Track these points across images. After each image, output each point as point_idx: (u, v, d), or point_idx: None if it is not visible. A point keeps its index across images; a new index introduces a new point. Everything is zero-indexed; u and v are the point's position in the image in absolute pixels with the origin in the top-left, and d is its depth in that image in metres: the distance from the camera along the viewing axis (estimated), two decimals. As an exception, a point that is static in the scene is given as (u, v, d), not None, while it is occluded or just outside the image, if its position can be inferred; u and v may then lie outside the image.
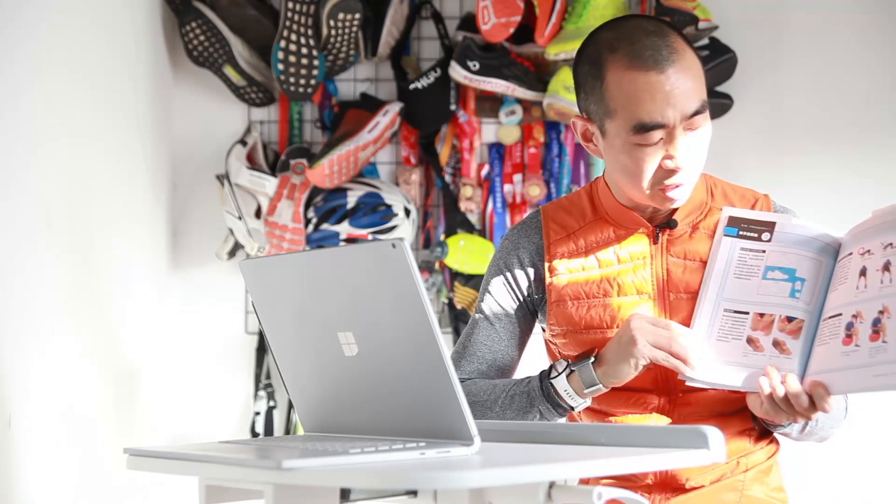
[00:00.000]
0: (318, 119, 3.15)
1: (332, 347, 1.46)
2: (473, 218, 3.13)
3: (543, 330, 1.91)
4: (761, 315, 1.68)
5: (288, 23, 2.98)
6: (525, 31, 3.03)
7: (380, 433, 1.46)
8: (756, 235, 1.73)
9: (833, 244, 1.69)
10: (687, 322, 1.73)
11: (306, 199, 3.03)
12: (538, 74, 3.06)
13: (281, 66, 2.98)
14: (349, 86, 3.17)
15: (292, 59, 2.98)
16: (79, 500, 2.31)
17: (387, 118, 3.02)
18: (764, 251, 1.72)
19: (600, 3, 2.92)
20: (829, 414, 1.74)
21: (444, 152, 3.13)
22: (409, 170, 3.12)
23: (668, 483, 1.80)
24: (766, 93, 3.08)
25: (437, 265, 3.09)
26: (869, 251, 1.59)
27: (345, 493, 1.44)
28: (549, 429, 1.51)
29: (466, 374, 1.88)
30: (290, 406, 3.10)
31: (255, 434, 3.09)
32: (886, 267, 1.54)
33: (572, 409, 1.74)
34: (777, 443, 1.87)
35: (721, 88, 3.04)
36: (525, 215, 3.09)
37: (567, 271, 1.84)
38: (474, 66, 2.99)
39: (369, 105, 3.07)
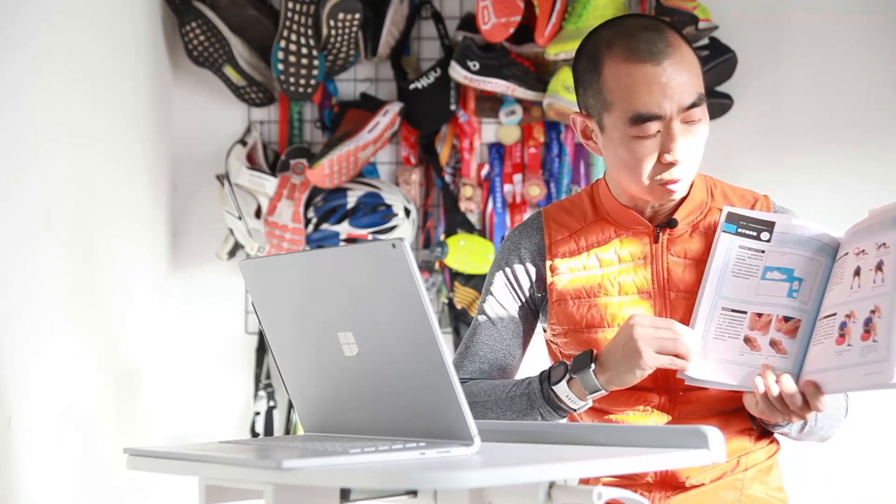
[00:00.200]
0: (318, 119, 3.15)
1: (332, 347, 1.46)
2: (473, 218, 3.13)
3: (545, 331, 1.91)
4: (759, 315, 1.68)
5: (288, 23, 2.98)
6: (525, 31, 3.03)
7: (380, 433, 1.46)
8: (755, 234, 1.73)
9: (832, 244, 1.70)
10: (686, 321, 1.74)
11: (306, 199, 3.03)
12: (538, 74, 3.06)
13: (281, 66, 2.98)
14: (349, 86, 3.17)
15: (292, 59, 2.98)
16: (79, 500, 2.31)
17: (387, 118, 3.02)
18: (763, 251, 1.72)
19: (600, 3, 2.92)
20: (827, 413, 1.75)
21: (444, 152, 3.13)
22: (409, 170, 3.12)
23: (668, 481, 1.80)
24: (766, 93, 3.08)
25: (437, 265, 3.09)
26: (863, 251, 1.60)
27: (345, 493, 1.44)
28: (549, 429, 1.51)
29: (468, 374, 1.88)
30: (290, 406, 3.10)
31: (255, 434, 3.09)
32: (879, 267, 1.55)
33: (574, 410, 1.75)
34: (777, 443, 1.87)
35: (721, 88, 3.04)
36: (526, 216, 3.09)
37: (568, 271, 1.84)
38: (474, 66, 2.99)
39: (369, 105, 3.07)
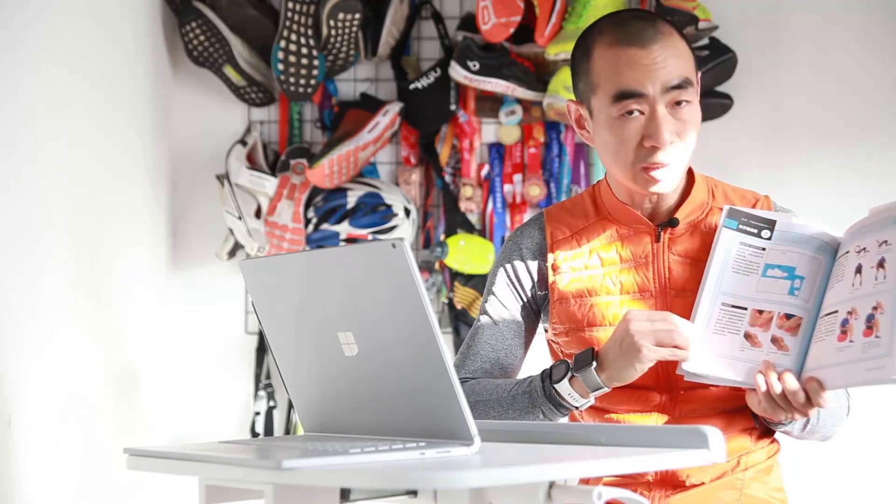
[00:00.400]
0: (318, 119, 3.15)
1: (332, 347, 1.46)
2: (473, 218, 3.13)
3: (546, 330, 1.91)
4: (760, 312, 1.69)
5: (288, 23, 2.98)
6: (525, 31, 3.03)
7: (380, 433, 1.46)
8: (756, 232, 1.74)
9: (832, 243, 1.70)
10: (687, 319, 1.74)
11: (306, 199, 3.03)
12: (538, 74, 3.06)
13: (281, 66, 2.98)
14: (349, 86, 3.17)
15: (292, 59, 2.98)
16: (78, 500, 2.31)
17: (387, 118, 3.02)
18: (764, 249, 1.72)
19: (600, 3, 2.92)
20: (829, 412, 1.75)
21: (444, 152, 3.13)
22: (409, 170, 3.12)
23: (669, 480, 1.80)
24: (766, 93, 3.08)
25: (437, 265, 3.09)
26: (865, 249, 1.60)
27: (345, 493, 1.44)
28: (549, 429, 1.51)
29: (470, 373, 1.88)
30: (290, 406, 3.10)
31: (255, 434, 3.09)
32: (881, 264, 1.56)
33: (576, 408, 1.75)
34: (778, 443, 1.87)
35: (721, 88, 3.04)
36: (526, 216, 3.10)
37: (570, 270, 1.85)
38: (474, 66, 2.99)
39: (369, 105, 3.07)
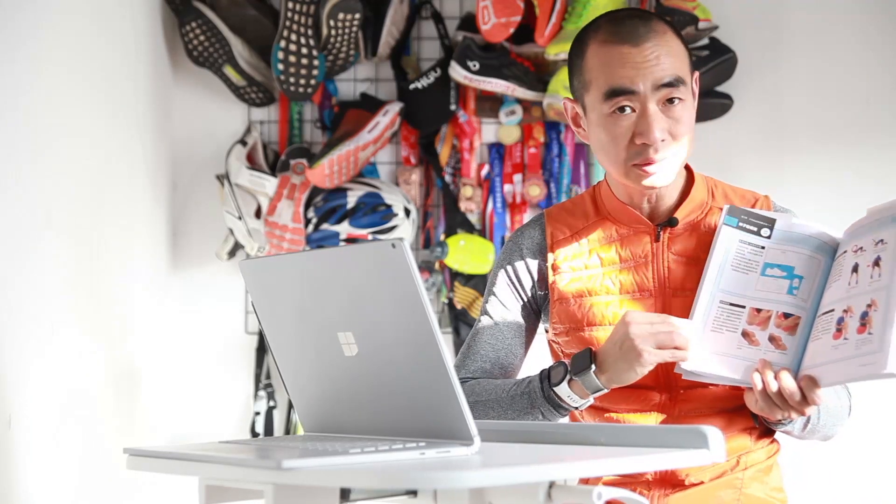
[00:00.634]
0: (318, 119, 3.15)
1: (332, 347, 1.46)
2: (473, 218, 3.13)
3: (546, 331, 1.91)
4: (758, 310, 1.69)
5: (288, 23, 2.98)
6: (525, 31, 3.03)
7: (380, 433, 1.46)
8: (756, 230, 1.74)
9: (831, 243, 1.71)
10: (686, 317, 1.74)
11: (306, 199, 3.03)
12: (538, 74, 3.06)
13: (281, 66, 2.98)
14: (349, 86, 3.17)
15: (292, 59, 2.98)
16: (78, 500, 2.31)
17: (387, 118, 3.02)
18: (763, 248, 1.73)
19: (600, 3, 2.92)
20: (830, 411, 1.76)
21: (444, 152, 3.13)
22: (409, 170, 3.12)
23: (668, 479, 1.80)
24: (766, 93, 3.08)
25: (437, 265, 3.09)
26: (861, 248, 1.61)
27: (345, 493, 1.44)
28: (549, 429, 1.51)
29: (470, 373, 1.88)
30: (290, 406, 3.10)
31: (255, 434, 3.09)
32: (877, 262, 1.57)
33: (576, 408, 1.75)
34: (778, 443, 1.87)
35: (721, 88, 3.04)
36: (526, 216, 3.10)
37: (570, 270, 1.85)
38: (474, 66, 2.99)
39: (369, 105, 3.07)
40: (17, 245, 2.03)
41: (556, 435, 1.48)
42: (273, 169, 3.09)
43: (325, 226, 3.02)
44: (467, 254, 3.04)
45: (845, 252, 1.66)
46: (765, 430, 1.84)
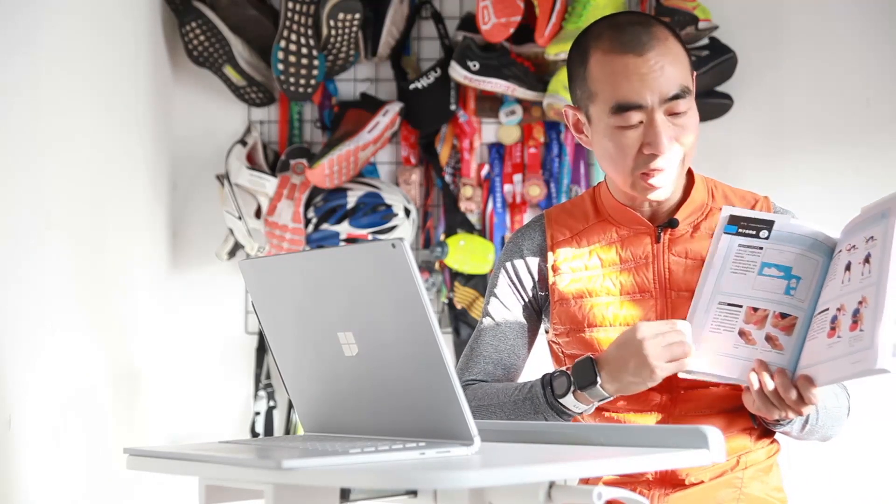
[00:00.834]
0: (318, 119, 3.15)
1: (332, 347, 1.46)
2: (473, 218, 3.13)
3: (546, 332, 1.92)
4: (755, 309, 1.69)
5: (288, 23, 2.98)
6: (525, 31, 3.03)
7: (380, 433, 1.46)
8: (754, 233, 1.74)
9: (828, 243, 1.71)
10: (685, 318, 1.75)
11: (306, 199, 3.03)
12: (538, 74, 3.06)
13: (281, 66, 2.98)
14: (349, 86, 3.17)
15: (292, 59, 2.98)
16: (79, 500, 2.31)
17: (387, 118, 3.02)
18: (761, 248, 1.73)
19: (600, 3, 2.92)
20: (829, 412, 1.76)
21: (444, 152, 3.13)
22: (409, 170, 3.12)
23: (668, 479, 1.80)
24: (766, 93, 3.08)
25: (437, 265, 3.09)
26: (854, 246, 1.62)
27: (345, 493, 1.44)
28: (549, 429, 1.51)
29: (474, 374, 1.88)
30: (290, 406, 3.10)
31: (255, 434, 3.09)
32: (867, 259, 1.58)
33: (579, 414, 1.75)
34: (778, 443, 1.87)
35: (721, 88, 3.04)
36: (526, 216, 3.10)
37: (570, 271, 1.85)
38: (474, 66, 2.99)
39: (369, 105, 3.07)
40: (16, 245, 2.03)
41: (556, 435, 1.48)
42: (273, 169, 3.09)
43: (325, 226, 3.02)
44: (467, 254, 3.04)
45: (840, 251, 1.66)
46: (765, 431, 1.84)
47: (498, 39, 2.99)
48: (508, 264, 1.91)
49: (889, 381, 1.70)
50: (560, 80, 2.96)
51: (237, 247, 3.07)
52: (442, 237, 3.10)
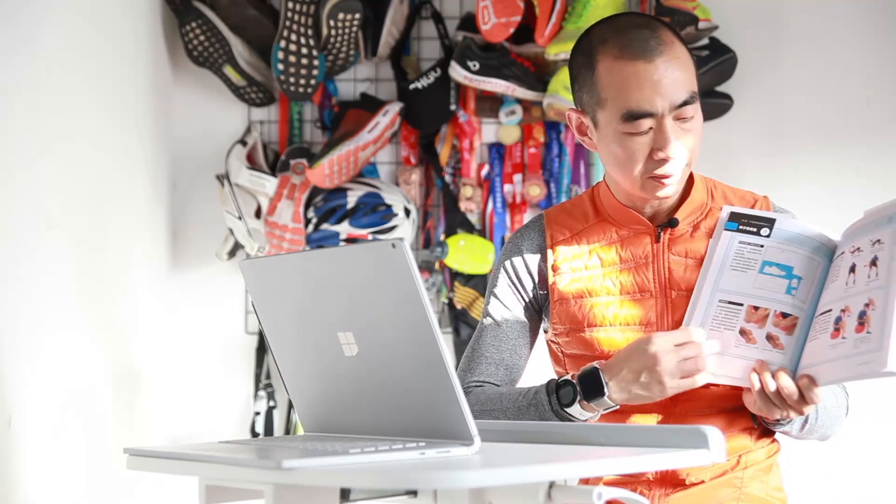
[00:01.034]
0: (318, 119, 3.15)
1: (332, 347, 1.46)
2: (473, 218, 3.13)
3: (545, 331, 1.92)
4: (756, 308, 1.69)
5: (288, 23, 2.98)
6: (525, 31, 3.03)
7: (380, 433, 1.46)
8: (755, 230, 1.75)
9: (829, 245, 1.71)
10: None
11: (306, 199, 3.03)
12: (538, 74, 3.06)
13: (281, 66, 2.98)
14: (349, 86, 3.17)
15: (292, 59, 2.98)
16: (79, 500, 2.31)
17: (387, 118, 3.02)
18: (762, 246, 1.73)
19: (600, 3, 2.92)
20: (828, 411, 1.76)
21: (444, 152, 3.13)
22: (409, 170, 3.12)
23: (669, 479, 1.80)
24: (766, 93, 3.08)
25: (437, 265, 3.09)
26: (859, 249, 1.62)
27: (345, 493, 1.44)
28: (549, 429, 1.51)
29: (476, 377, 1.88)
30: (290, 406, 3.10)
31: (255, 434, 3.09)
32: (874, 262, 1.58)
33: (584, 421, 1.75)
34: (778, 443, 1.87)
35: (721, 88, 3.04)
36: (526, 216, 3.10)
37: (570, 270, 1.85)
38: (474, 66, 2.99)
39: (369, 105, 3.07)
40: (16, 245, 2.03)
41: (556, 435, 1.48)
42: (273, 169, 3.09)
43: (325, 226, 3.02)
44: (467, 254, 3.04)
45: (842, 253, 1.66)
46: (765, 430, 1.84)
47: (498, 39, 2.99)
48: (508, 264, 1.91)
49: (889, 382, 1.70)
50: (560, 80, 2.96)
51: (237, 247, 3.07)
52: (442, 237, 3.10)
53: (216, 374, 3.15)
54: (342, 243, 3.00)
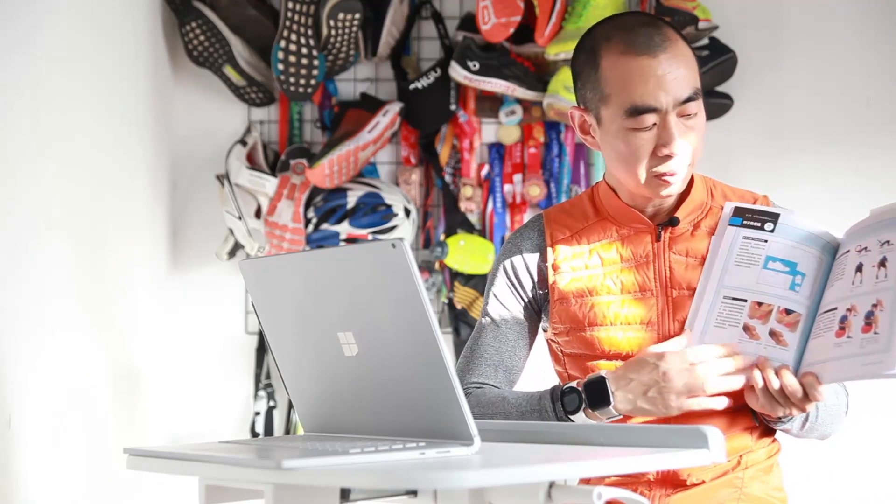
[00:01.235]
0: (318, 119, 3.15)
1: (332, 347, 1.46)
2: (473, 218, 3.13)
3: (545, 330, 1.92)
4: (759, 304, 1.69)
5: (288, 23, 2.98)
6: (525, 31, 3.03)
7: (380, 433, 1.46)
8: (759, 225, 1.75)
9: (833, 243, 1.71)
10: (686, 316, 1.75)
11: (306, 199, 3.03)
12: (538, 74, 3.06)
13: (281, 66, 2.98)
14: (349, 86, 3.17)
15: (292, 59, 2.98)
16: (79, 500, 2.31)
17: (387, 118, 3.02)
18: (766, 241, 1.73)
19: (600, 3, 2.92)
20: (828, 410, 1.76)
21: (444, 152, 3.13)
22: (409, 170, 3.12)
23: (669, 479, 1.80)
24: (766, 93, 3.08)
25: (437, 265, 3.09)
26: (866, 248, 1.62)
27: (345, 493, 1.44)
28: (549, 429, 1.51)
29: (475, 378, 1.88)
30: (290, 406, 3.10)
31: (255, 434, 3.09)
32: (882, 263, 1.57)
33: None
34: (779, 442, 1.87)
35: (721, 88, 3.04)
36: (526, 216, 3.10)
37: (570, 270, 1.85)
38: (474, 66, 2.99)
39: (369, 105, 3.07)
40: (16, 245, 2.03)
41: (556, 435, 1.48)
42: (273, 169, 3.09)
43: (325, 226, 3.02)
44: (467, 254, 3.04)
45: (848, 252, 1.66)
46: (765, 430, 1.84)
47: (498, 39, 2.99)
48: (507, 264, 1.91)
49: (889, 381, 1.70)
50: (560, 80, 2.96)
51: (237, 247, 3.07)
52: (442, 237, 3.10)
53: (216, 374, 3.15)
54: (342, 243, 3.00)
